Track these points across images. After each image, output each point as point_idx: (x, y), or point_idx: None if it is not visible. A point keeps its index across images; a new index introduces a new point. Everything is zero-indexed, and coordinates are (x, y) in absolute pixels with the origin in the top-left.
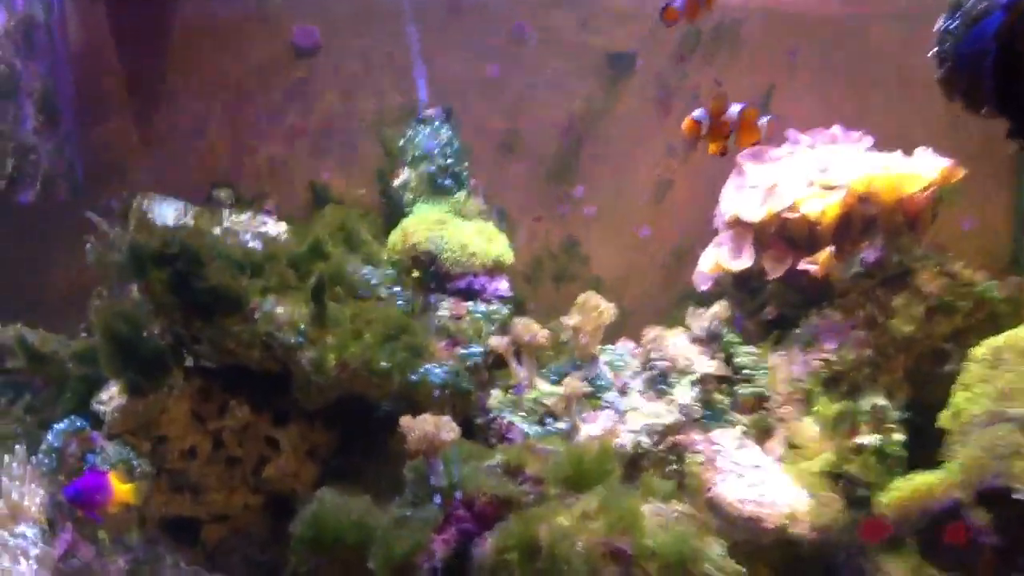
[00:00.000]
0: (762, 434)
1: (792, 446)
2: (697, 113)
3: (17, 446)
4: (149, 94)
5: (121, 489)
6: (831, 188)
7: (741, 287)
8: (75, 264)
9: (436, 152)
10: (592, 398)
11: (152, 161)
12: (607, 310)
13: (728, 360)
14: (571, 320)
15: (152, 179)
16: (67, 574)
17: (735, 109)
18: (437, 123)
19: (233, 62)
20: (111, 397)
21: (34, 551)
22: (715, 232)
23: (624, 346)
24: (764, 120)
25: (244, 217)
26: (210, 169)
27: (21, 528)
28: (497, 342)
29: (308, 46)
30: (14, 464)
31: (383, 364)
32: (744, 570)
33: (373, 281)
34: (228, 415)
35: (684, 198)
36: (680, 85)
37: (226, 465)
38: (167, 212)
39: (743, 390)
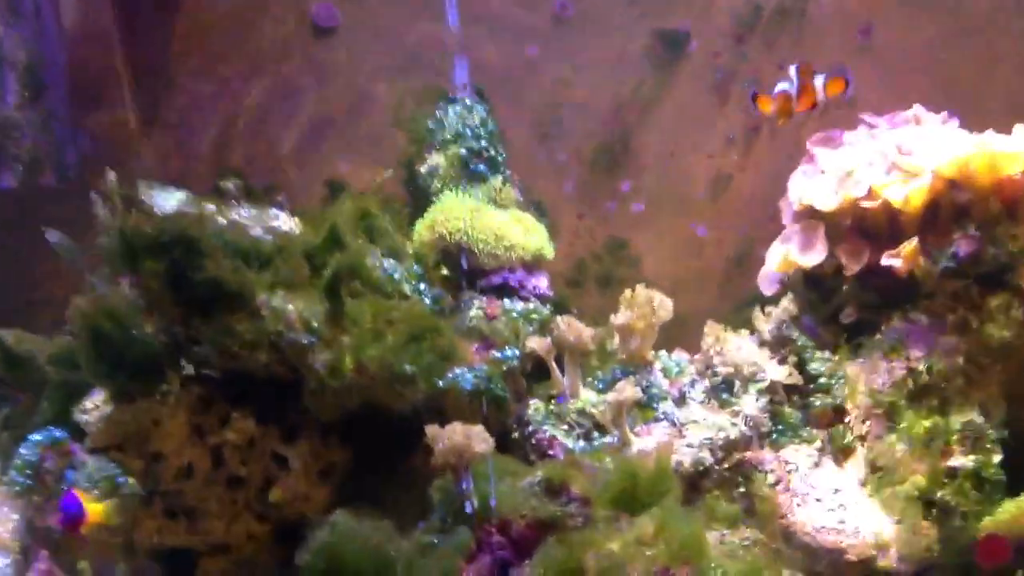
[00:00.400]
0: (840, 453)
1: (875, 468)
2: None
3: None
4: (152, 75)
5: (93, 510)
6: (915, 174)
7: (813, 288)
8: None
9: (469, 134)
10: (645, 408)
11: (154, 149)
12: (663, 306)
13: (800, 367)
14: (619, 318)
15: (154, 168)
16: None
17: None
18: (469, 103)
19: (245, 41)
20: (95, 406)
21: None
22: (781, 230)
23: (680, 356)
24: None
25: (253, 211)
26: (218, 158)
27: None
28: (537, 344)
29: (327, 24)
30: None
31: (407, 368)
32: None
33: (396, 276)
34: (230, 428)
35: (745, 194)
36: (739, 68)
37: (227, 486)
38: (167, 202)
39: (818, 402)
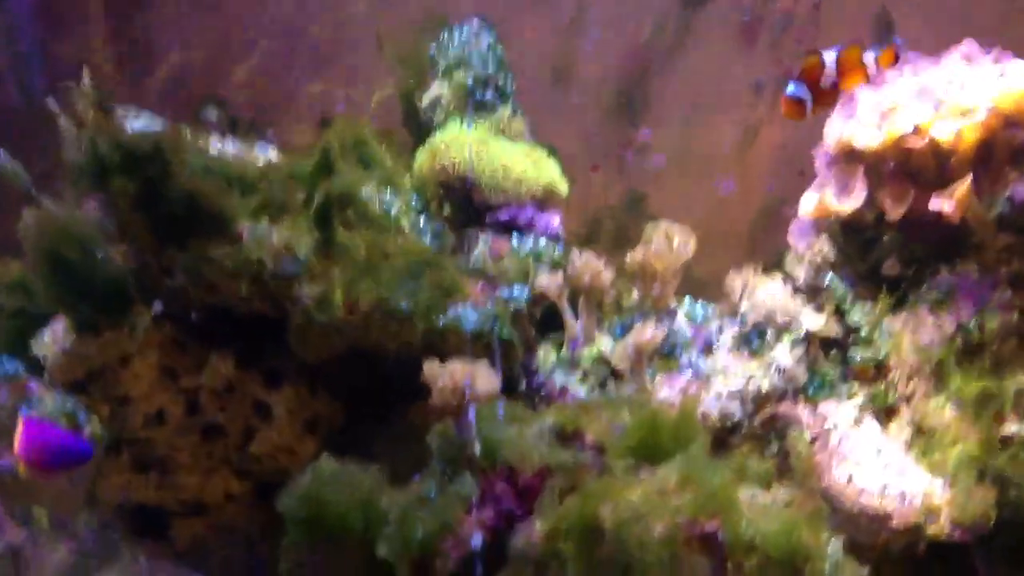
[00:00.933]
0: (883, 412)
1: (921, 430)
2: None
3: None
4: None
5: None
6: (967, 111)
7: (852, 238)
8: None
9: (475, 60)
10: (667, 358)
11: (128, 75)
12: (686, 243)
13: (838, 317)
14: (636, 255)
15: (128, 97)
16: None
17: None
18: (475, 27)
19: None
20: (55, 338)
21: None
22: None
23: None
24: (872, 54)
25: (238, 144)
26: (197, 88)
27: None
28: (548, 283)
29: None
30: None
31: (403, 304)
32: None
33: (393, 208)
34: (206, 371)
35: (774, 147)
36: (768, 9)
37: (203, 437)
38: (143, 127)
39: (858, 356)
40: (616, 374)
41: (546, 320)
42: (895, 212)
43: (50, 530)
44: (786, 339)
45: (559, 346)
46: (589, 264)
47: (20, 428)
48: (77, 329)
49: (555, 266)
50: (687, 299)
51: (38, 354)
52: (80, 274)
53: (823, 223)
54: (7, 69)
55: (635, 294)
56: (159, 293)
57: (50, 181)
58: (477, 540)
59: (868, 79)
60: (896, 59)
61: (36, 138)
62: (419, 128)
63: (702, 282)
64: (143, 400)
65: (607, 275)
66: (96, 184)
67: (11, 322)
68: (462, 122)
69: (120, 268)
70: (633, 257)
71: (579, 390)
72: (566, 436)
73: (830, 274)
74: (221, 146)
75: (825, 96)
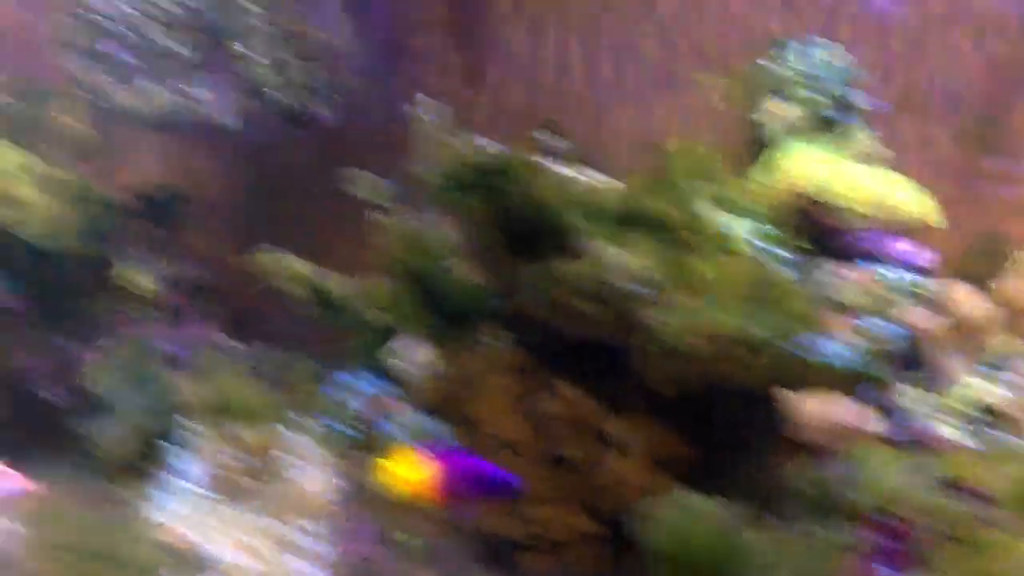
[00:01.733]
0: None
1: None
2: None
3: (294, 414)
4: (472, 25)
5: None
6: None
7: None
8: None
9: (822, 75)
10: None
11: (471, 99)
12: None
13: None
14: (1007, 288)
15: (471, 119)
16: None
17: None
18: (821, 41)
19: None
20: (407, 351)
21: (315, 548)
22: None
23: None
24: None
25: (572, 168)
26: (534, 117)
27: (301, 520)
28: (916, 317)
29: None
30: (295, 438)
31: (755, 332)
32: None
33: (738, 232)
34: (555, 397)
35: None
36: None
37: (552, 467)
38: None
39: None
40: (996, 419)
41: (907, 356)
42: None
43: (413, 551)
44: None
45: (924, 384)
46: (963, 298)
47: (422, 455)
48: (431, 345)
49: (921, 299)
50: None
51: (393, 369)
52: (433, 288)
53: None
54: (366, 92)
55: (1002, 331)
56: (507, 312)
57: (401, 197)
58: None
59: None
60: None
61: (392, 152)
62: (758, 149)
63: None
64: (492, 423)
65: (982, 310)
66: (448, 199)
67: (369, 335)
68: (810, 142)
69: (471, 284)
70: (1001, 290)
71: (953, 434)
72: (949, 484)
73: None
74: (559, 169)
75: None
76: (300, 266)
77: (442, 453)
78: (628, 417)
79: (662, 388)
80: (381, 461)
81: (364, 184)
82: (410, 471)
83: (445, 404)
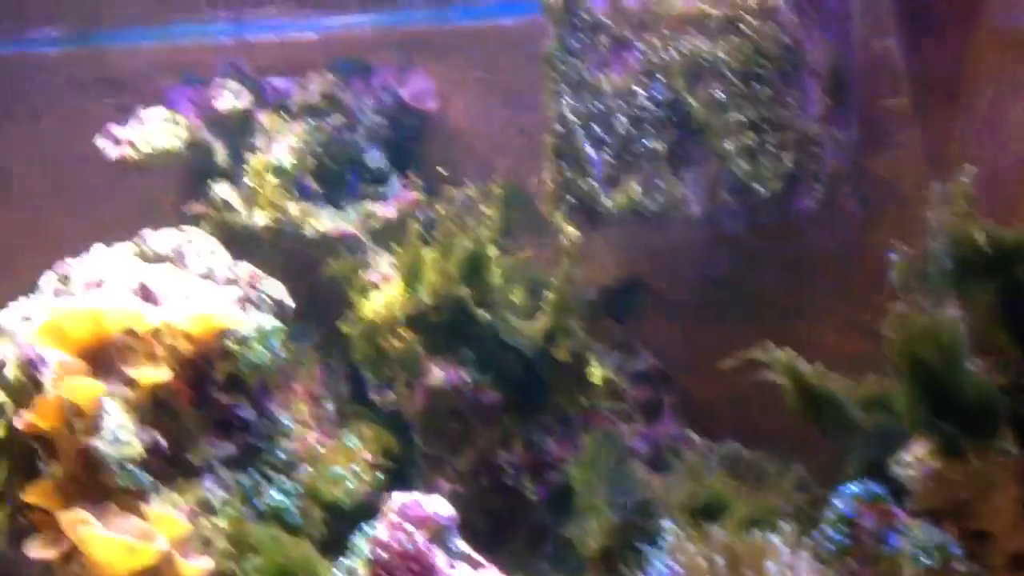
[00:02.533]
0: None
1: None
2: None
3: (784, 523)
4: (939, 103)
5: None
6: None
7: None
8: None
9: None
10: None
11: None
12: None
13: None
14: None
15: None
16: None
17: None
18: None
19: None
20: (916, 458)
21: None
22: None
23: None
24: None
25: None
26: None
27: None
28: None
29: None
30: (782, 545)
31: None
32: None
33: None
34: None
35: None
36: None
37: None
38: None
39: None
40: None
41: None
42: None
43: None
44: None
45: None
46: None
47: None
48: (940, 452)
49: None
50: None
51: (897, 474)
52: (944, 386)
53: None
54: (845, 176)
55: None
56: (1019, 414)
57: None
58: None
59: None
60: None
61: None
62: None
63: None
64: (1004, 538)
65: None
66: (954, 279)
67: (869, 440)
68: None
69: (986, 383)
70: None
71: None
72: None
73: None
74: None
75: None
76: (798, 363)
77: None
78: None
79: None
80: None
81: (896, 266)
82: None
83: (952, 515)
